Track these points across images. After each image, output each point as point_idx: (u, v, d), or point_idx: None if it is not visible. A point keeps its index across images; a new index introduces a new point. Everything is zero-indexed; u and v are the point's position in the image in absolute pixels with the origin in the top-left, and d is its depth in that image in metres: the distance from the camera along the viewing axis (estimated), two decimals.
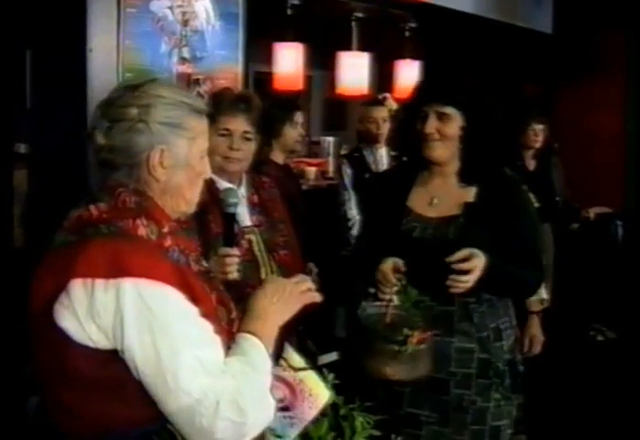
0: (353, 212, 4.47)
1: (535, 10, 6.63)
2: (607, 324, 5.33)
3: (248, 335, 1.51)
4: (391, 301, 2.23)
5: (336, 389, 2.20)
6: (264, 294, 1.58)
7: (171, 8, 3.93)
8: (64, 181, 3.28)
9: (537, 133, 4.81)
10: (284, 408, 1.61)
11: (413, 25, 5.95)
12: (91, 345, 1.39)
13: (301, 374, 1.64)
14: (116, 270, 1.36)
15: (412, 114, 2.38)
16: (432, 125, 2.30)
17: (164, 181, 1.50)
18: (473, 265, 2.15)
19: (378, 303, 2.25)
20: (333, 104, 7.37)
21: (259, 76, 6.08)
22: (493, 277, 2.20)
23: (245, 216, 2.33)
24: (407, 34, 6.01)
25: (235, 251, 1.99)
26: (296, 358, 1.67)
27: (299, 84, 5.27)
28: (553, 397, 4.20)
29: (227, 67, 4.31)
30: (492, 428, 2.33)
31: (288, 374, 1.64)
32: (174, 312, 1.38)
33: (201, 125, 1.54)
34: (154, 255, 1.41)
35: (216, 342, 1.44)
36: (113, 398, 1.39)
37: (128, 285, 1.35)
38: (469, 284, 2.17)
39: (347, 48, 5.75)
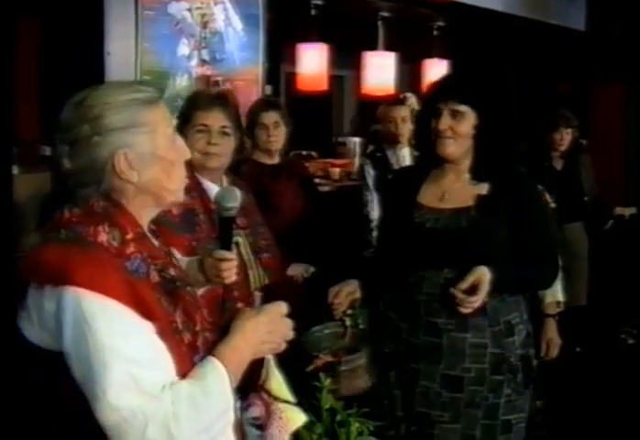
0: (375, 213, 4.42)
1: (567, 7, 6.53)
2: (638, 326, 5.21)
3: (216, 362, 1.43)
4: (344, 323, 2.37)
5: (334, 394, 2.20)
6: (255, 324, 1.50)
7: (189, 10, 3.96)
8: None
9: (564, 136, 4.71)
10: (260, 426, 1.60)
11: (440, 24, 5.90)
12: (45, 347, 1.40)
13: (273, 397, 1.62)
14: (62, 278, 1.34)
15: (427, 111, 2.41)
16: (445, 122, 2.32)
17: (138, 182, 1.47)
18: (481, 294, 2.18)
19: (331, 324, 2.40)
20: (365, 104, 7.35)
21: (289, 77, 6.09)
22: (501, 286, 2.24)
23: None
24: (435, 33, 5.96)
25: (232, 255, 1.91)
26: (276, 381, 1.65)
27: (323, 85, 5.25)
28: (581, 400, 4.12)
29: (247, 68, 4.33)
30: (503, 422, 2.33)
31: (264, 394, 1.62)
32: (113, 326, 1.33)
33: (157, 113, 1.49)
34: (105, 265, 1.37)
35: (163, 362, 1.38)
36: (75, 398, 1.38)
37: (70, 294, 1.33)
38: (478, 304, 2.20)
39: (375, 48, 5.72)
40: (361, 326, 2.41)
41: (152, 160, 1.47)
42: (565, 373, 3.72)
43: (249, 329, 1.50)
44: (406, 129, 4.48)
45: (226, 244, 1.93)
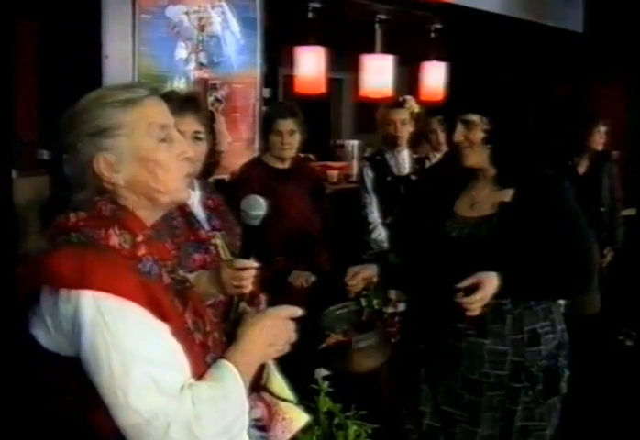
0: (374, 215, 4.42)
1: (565, 9, 6.53)
2: (637, 328, 5.21)
3: (231, 365, 1.45)
4: (358, 303, 2.46)
5: (332, 396, 2.21)
6: (260, 328, 1.52)
7: (187, 14, 3.96)
8: None
9: (602, 135, 4.62)
10: (262, 428, 1.60)
11: (438, 26, 5.89)
12: (61, 353, 1.40)
13: (276, 397, 1.62)
14: (78, 281, 1.34)
15: (450, 125, 2.45)
16: (460, 133, 2.38)
17: (124, 184, 1.48)
18: (480, 296, 2.20)
19: (349, 303, 2.50)
20: (363, 107, 7.35)
21: (287, 80, 6.09)
22: (514, 292, 2.27)
23: (203, 222, 2.28)
24: (433, 35, 5.95)
25: (253, 264, 1.88)
26: (278, 382, 1.65)
27: (321, 88, 5.24)
28: (577, 402, 4.11)
29: (245, 71, 4.33)
30: (520, 428, 2.35)
31: (267, 395, 1.62)
32: (131, 328, 1.35)
33: (138, 114, 1.48)
34: (120, 268, 1.39)
35: (180, 363, 1.39)
36: (86, 404, 1.39)
37: (88, 298, 1.34)
38: (480, 307, 2.21)
39: (372, 50, 5.72)
40: (376, 307, 2.48)
41: (133, 162, 1.47)
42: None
43: (256, 333, 1.52)
44: (406, 132, 4.49)
45: (247, 252, 1.92)
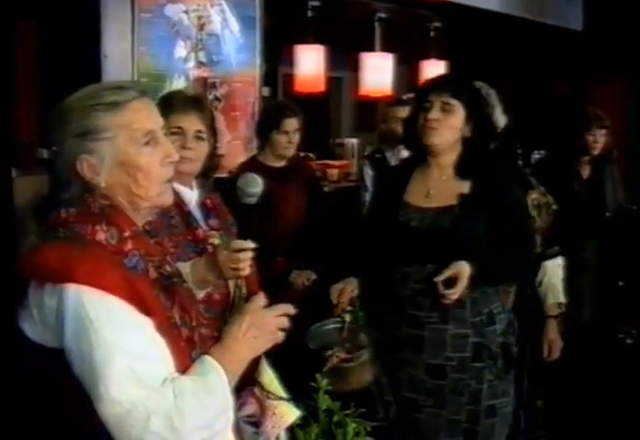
0: None
1: (564, 7, 6.53)
2: (637, 326, 5.20)
3: (214, 361, 1.46)
4: (343, 319, 2.44)
5: (331, 394, 2.20)
6: (239, 325, 1.52)
7: (186, 12, 3.96)
8: None
9: (597, 138, 4.39)
10: (255, 424, 1.60)
11: (437, 24, 5.89)
12: (46, 344, 1.42)
13: (265, 393, 1.63)
14: (63, 276, 1.36)
15: (419, 105, 2.51)
16: (435, 113, 2.43)
17: (105, 186, 1.48)
18: (460, 286, 2.30)
19: (332, 320, 2.48)
20: (363, 106, 7.35)
21: (287, 79, 6.10)
22: (481, 279, 2.36)
23: (200, 221, 2.28)
24: (432, 34, 5.95)
25: (250, 244, 1.84)
26: (268, 377, 1.65)
27: (321, 86, 5.25)
28: (578, 401, 4.12)
29: (245, 70, 4.34)
30: (487, 407, 2.45)
31: (257, 390, 1.63)
32: (114, 321, 1.36)
33: (123, 117, 1.47)
34: (104, 262, 1.40)
35: (162, 356, 1.41)
36: (76, 396, 1.39)
37: (71, 291, 1.36)
38: (456, 296, 2.31)
39: (372, 49, 5.73)
40: (360, 322, 2.46)
41: (114, 166, 1.47)
42: (565, 373, 3.72)
43: (236, 331, 1.52)
44: None
45: (245, 233, 1.90)
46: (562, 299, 3.16)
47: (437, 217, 2.44)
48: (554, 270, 3.12)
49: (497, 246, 2.41)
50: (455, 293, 2.30)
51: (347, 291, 2.51)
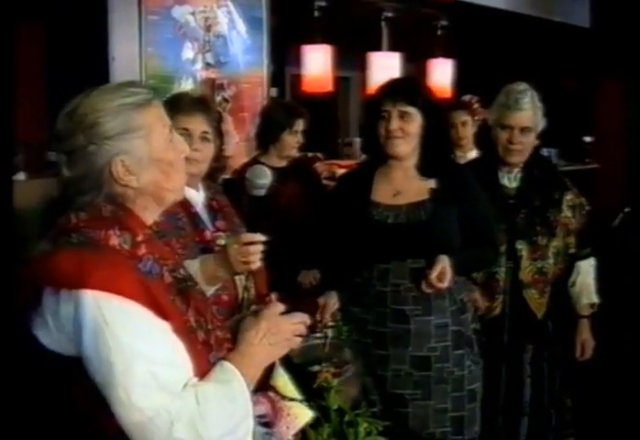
0: None
1: (571, 4, 6.52)
2: (637, 325, 5.16)
3: (235, 370, 1.45)
4: (326, 335, 2.43)
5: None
6: (255, 331, 1.51)
7: (193, 14, 3.97)
8: None
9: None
10: (266, 424, 1.60)
11: (444, 23, 5.89)
12: (63, 352, 1.40)
13: (280, 394, 1.63)
14: (79, 282, 1.34)
15: (375, 113, 2.54)
16: (395, 123, 2.47)
17: (138, 186, 1.47)
18: (447, 279, 2.39)
19: (314, 336, 2.43)
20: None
21: (294, 79, 6.10)
22: (457, 269, 2.46)
23: (207, 223, 2.27)
24: (439, 32, 5.96)
25: (260, 237, 1.84)
26: (282, 379, 1.65)
27: (328, 86, 5.25)
28: (606, 400, 4.10)
29: (252, 71, 4.34)
30: (469, 392, 2.55)
31: (272, 393, 1.62)
32: (132, 327, 1.35)
33: (151, 115, 1.47)
34: (120, 267, 1.38)
35: (182, 361, 1.39)
36: (92, 404, 1.39)
37: (88, 297, 1.34)
38: (444, 286, 2.41)
39: (379, 48, 5.73)
40: (343, 337, 2.47)
41: (150, 163, 1.46)
42: (595, 372, 3.69)
43: (252, 337, 1.51)
44: None
45: (254, 226, 1.89)
46: (595, 299, 3.14)
47: (413, 212, 2.50)
48: (587, 271, 3.09)
49: (467, 237, 2.51)
50: (445, 285, 2.39)
51: (329, 305, 2.54)
